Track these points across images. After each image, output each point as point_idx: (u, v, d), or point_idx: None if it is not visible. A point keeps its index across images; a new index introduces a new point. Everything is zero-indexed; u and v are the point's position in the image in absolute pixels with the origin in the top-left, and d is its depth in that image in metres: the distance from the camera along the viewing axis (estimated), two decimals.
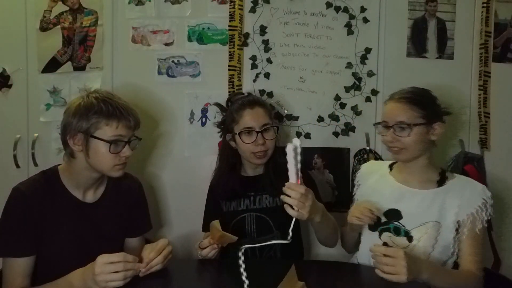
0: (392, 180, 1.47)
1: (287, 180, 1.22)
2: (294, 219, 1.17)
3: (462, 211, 1.34)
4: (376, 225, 1.41)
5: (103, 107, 1.26)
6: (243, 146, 1.58)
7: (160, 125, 1.99)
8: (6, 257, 1.25)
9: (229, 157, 1.66)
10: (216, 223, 1.37)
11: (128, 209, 1.45)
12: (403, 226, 1.38)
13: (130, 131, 1.32)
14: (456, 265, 1.38)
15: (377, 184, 1.50)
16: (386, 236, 1.40)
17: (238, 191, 1.63)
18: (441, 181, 1.40)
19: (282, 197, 1.20)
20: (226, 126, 1.66)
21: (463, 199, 1.35)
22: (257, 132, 1.55)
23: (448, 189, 1.38)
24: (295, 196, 1.17)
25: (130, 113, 1.31)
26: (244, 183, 1.64)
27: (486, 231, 1.41)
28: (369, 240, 1.42)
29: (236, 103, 1.64)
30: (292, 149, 1.08)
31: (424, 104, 1.37)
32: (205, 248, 1.38)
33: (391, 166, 1.53)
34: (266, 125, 1.57)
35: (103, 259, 1.12)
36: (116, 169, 1.31)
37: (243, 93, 1.79)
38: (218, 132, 1.72)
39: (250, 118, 1.57)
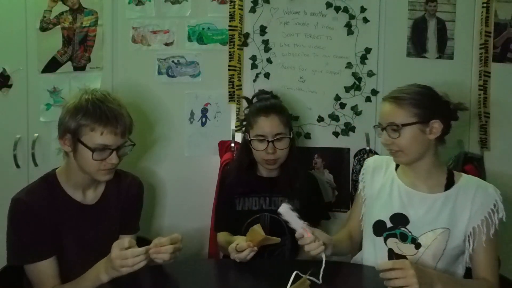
0: (399, 182, 1.38)
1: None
2: (323, 263, 1.21)
3: (474, 218, 1.26)
4: (381, 230, 1.35)
5: (91, 109, 1.22)
6: (255, 152, 1.59)
7: (160, 125, 1.99)
8: (29, 264, 1.25)
9: (247, 154, 1.64)
10: (257, 227, 1.34)
11: (126, 208, 1.45)
12: (410, 232, 1.30)
13: (118, 137, 1.26)
14: (467, 274, 1.33)
15: (384, 185, 1.41)
16: (392, 242, 1.33)
17: (255, 189, 1.63)
18: (449, 183, 1.33)
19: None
20: (246, 126, 1.65)
21: (475, 203, 1.27)
22: (269, 141, 1.54)
23: (457, 192, 1.30)
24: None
25: (119, 119, 1.25)
26: (260, 183, 1.64)
27: (497, 235, 1.29)
28: (375, 245, 1.36)
29: (255, 106, 1.63)
30: (285, 211, 1.26)
31: (418, 102, 1.28)
32: (243, 251, 1.32)
33: (397, 166, 1.43)
34: (279, 135, 1.55)
35: (118, 245, 1.15)
36: (101, 173, 1.29)
37: (268, 93, 1.74)
38: (242, 128, 1.70)
39: (264, 126, 1.55)
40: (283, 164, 1.61)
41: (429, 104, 1.29)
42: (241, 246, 1.31)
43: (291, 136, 1.60)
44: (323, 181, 1.98)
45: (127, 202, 1.45)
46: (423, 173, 1.34)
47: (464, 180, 1.33)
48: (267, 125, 1.55)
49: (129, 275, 1.25)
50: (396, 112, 1.28)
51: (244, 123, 1.67)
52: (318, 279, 1.16)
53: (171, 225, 2.01)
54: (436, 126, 1.29)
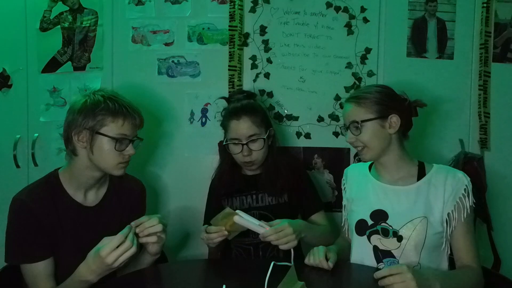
0: (373, 180, 1.44)
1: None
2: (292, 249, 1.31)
3: (448, 203, 1.31)
4: (363, 229, 1.38)
5: (110, 104, 1.27)
6: (233, 155, 1.60)
7: (160, 125, 1.99)
8: (23, 264, 1.26)
9: (229, 156, 1.66)
10: (228, 210, 1.35)
11: (127, 213, 1.44)
12: (390, 226, 1.34)
13: (135, 129, 1.33)
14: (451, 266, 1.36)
15: (360, 187, 1.47)
16: (376, 239, 1.36)
17: (241, 188, 1.64)
18: (421, 174, 1.37)
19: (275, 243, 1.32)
20: (223, 129, 1.67)
21: (447, 190, 1.32)
22: (243, 144, 1.55)
23: (429, 181, 1.35)
24: (279, 237, 1.32)
25: (136, 111, 1.33)
26: (245, 182, 1.65)
27: (473, 220, 1.35)
28: (360, 245, 1.40)
29: (228, 109, 1.65)
30: (239, 218, 1.31)
31: (377, 100, 1.35)
32: (212, 232, 1.35)
33: (370, 167, 1.50)
34: (252, 136, 1.56)
35: (106, 251, 1.13)
36: (119, 167, 1.32)
37: (243, 93, 1.76)
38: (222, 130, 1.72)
39: (236, 129, 1.56)
40: (264, 162, 1.62)
41: (387, 101, 1.36)
42: (210, 229, 1.36)
43: (267, 135, 1.59)
44: (323, 181, 1.98)
45: (129, 206, 1.45)
46: (392, 166, 1.40)
47: (435, 168, 1.38)
48: (239, 127, 1.56)
49: (130, 276, 1.25)
50: (357, 111, 1.36)
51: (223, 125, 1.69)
52: (290, 262, 1.20)
53: (170, 224, 2.00)
54: (395, 120, 1.35)
